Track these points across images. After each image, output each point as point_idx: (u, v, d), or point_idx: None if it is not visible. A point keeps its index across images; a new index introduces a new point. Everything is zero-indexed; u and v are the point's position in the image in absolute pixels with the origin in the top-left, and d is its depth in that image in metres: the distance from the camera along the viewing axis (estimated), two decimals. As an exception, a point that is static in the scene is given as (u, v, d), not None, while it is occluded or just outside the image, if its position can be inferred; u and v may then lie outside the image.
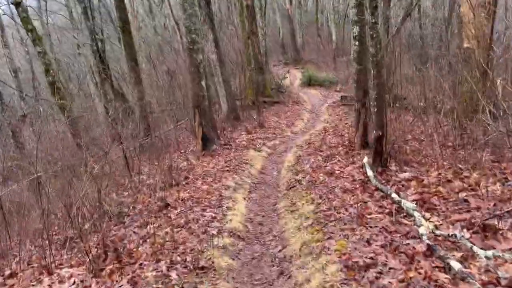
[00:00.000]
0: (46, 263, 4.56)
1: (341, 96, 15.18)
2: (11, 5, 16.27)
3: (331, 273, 3.44)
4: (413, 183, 4.95)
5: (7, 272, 4.58)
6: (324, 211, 4.91)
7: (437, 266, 3.19)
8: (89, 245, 4.55)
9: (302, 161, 7.72)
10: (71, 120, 11.12)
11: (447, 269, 3.10)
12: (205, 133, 9.21)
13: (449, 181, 4.83)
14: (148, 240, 4.84)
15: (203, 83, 9.19)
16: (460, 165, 5.24)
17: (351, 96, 14.74)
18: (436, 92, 8.26)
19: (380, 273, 3.22)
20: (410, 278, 3.06)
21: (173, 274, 3.87)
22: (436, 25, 14.88)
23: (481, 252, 3.13)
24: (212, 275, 3.95)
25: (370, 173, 5.48)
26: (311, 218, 4.82)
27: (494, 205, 3.97)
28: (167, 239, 4.72)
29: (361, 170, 6.13)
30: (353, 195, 5.17)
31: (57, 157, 10.62)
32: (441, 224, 3.90)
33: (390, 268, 3.27)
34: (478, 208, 4.00)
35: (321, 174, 6.46)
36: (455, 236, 3.43)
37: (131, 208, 6.67)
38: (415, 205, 4.15)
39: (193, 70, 9.06)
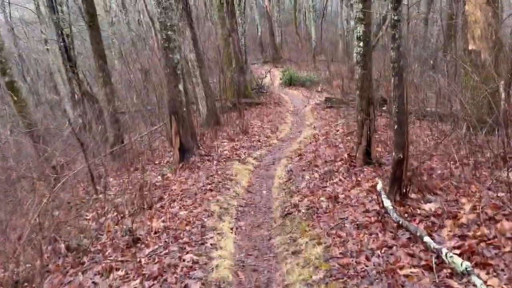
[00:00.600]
0: None
1: (326, 98, 14.13)
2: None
3: None
4: (448, 222, 3.86)
5: None
6: (338, 257, 3.76)
7: None
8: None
9: (296, 178, 6.57)
10: (28, 125, 9.60)
11: None
12: (183, 143, 7.93)
13: (493, 219, 3.77)
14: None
15: (180, 86, 7.89)
16: (498, 193, 4.21)
17: (337, 98, 13.74)
18: (443, 99, 7.28)
19: None
20: None
21: None
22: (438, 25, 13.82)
23: None
24: None
25: (387, 203, 4.37)
26: (322, 268, 3.66)
27: None
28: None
29: (370, 195, 5.02)
30: (370, 235, 4.04)
31: (13, 167, 9.16)
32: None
33: None
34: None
35: (323, 199, 5.32)
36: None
37: (93, 238, 5.38)
38: (468, 264, 3.04)
39: (169, 72, 7.76)
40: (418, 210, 4.28)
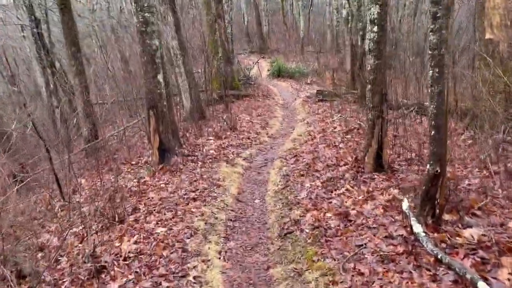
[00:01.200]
0: None
1: (317, 91, 13.07)
2: None
3: None
4: (506, 259, 2.88)
5: None
6: (363, 308, 2.77)
7: None
8: None
9: (294, 186, 5.54)
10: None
11: None
12: (163, 141, 6.81)
13: None
14: None
15: (160, 77, 6.75)
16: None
17: (329, 91, 12.73)
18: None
19: None
20: None
21: None
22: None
23: None
24: None
25: (418, 228, 3.38)
26: (344, 326, 2.66)
27: None
28: None
29: (389, 212, 4.03)
30: (401, 273, 3.05)
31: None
32: None
33: None
34: None
35: (330, 215, 4.31)
36: None
37: (51, 262, 4.29)
38: None
39: (146, 60, 6.59)
40: (457, 238, 3.30)
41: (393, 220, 3.82)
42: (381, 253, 3.35)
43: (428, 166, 3.34)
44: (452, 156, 5.28)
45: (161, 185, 6.05)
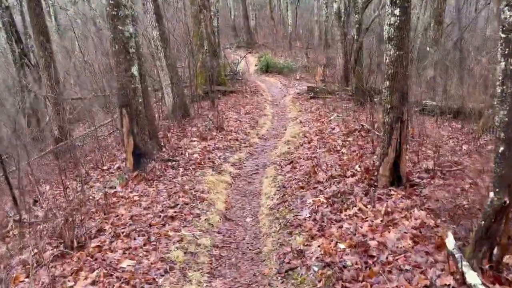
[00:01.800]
0: None
1: (308, 88, 12.09)
2: None
3: None
4: None
5: None
6: None
7: None
8: None
9: (292, 201, 4.51)
10: None
11: None
12: (138, 144, 5.70)
13: None
14: None
15: (134, 69, 5.62)
16: None
17: (320, 88, 11.74)
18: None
19: None
20: None
21: None
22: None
23: None
24: None
25: (473, 278, 2.40)
26: None
27: None
28: None
29: (422, 246, 3.04)
30: None
31: None
32: None
33: None
34: None
35: (344, 246, 3.30)
36: None
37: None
38: None
39: (118, 49, 5.46)
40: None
41: (432, 260, 2.83)
42: (425, 313, 2.36)
43: (492, 195, 2.35)
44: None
45: (134, 197, 4.96)
